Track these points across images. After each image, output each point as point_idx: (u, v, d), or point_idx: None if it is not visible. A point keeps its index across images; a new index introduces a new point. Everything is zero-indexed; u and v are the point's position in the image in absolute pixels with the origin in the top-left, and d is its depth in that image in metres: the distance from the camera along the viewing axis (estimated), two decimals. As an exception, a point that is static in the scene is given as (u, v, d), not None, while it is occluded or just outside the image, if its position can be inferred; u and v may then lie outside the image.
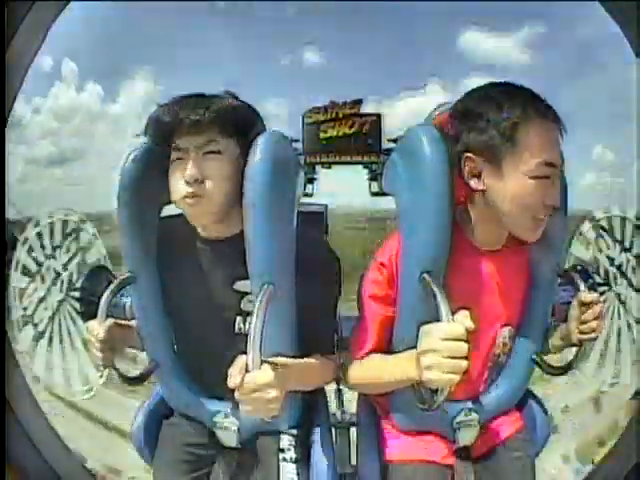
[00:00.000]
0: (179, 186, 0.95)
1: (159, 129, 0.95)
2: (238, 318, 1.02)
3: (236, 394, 0.80)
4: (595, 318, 0.95)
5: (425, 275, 0.89)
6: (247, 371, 0.79)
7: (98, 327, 0.96)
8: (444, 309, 0.80)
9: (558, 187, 0.92)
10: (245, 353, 0.80)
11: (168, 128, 0.94)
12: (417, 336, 0.84)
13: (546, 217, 0.94)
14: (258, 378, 0.79)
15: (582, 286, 0.98)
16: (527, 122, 0.89)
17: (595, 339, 0.97)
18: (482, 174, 0.93)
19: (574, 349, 1.01)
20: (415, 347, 0.85)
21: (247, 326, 1.01)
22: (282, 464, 1.04)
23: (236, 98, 1.03)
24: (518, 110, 0.89)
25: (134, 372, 1.06)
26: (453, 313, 0.81)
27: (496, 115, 0.90)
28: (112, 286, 1.00)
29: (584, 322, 0.96)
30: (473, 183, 0.94)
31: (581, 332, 0.97)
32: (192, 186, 0.93)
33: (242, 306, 1.01)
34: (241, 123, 0.98)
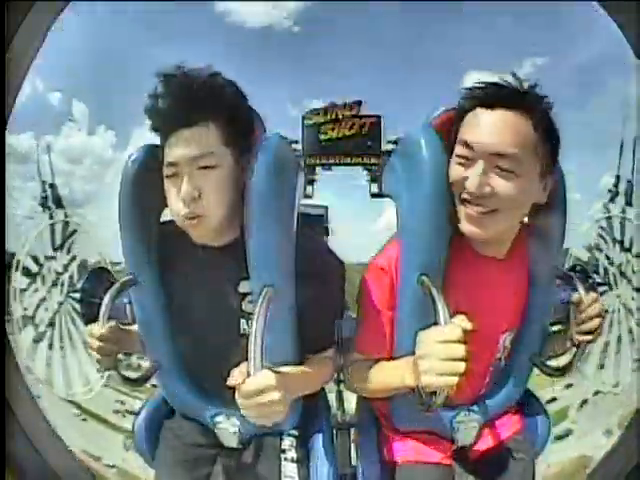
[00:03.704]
0: (177, 205, 0.92)
1: (155, 127, 0.94)
2: (242, 320, 1.01)
3: (237, 400, 0.80)
4: (593, 318, 0.95)
5: (423, 277, 0.89)
6: (248, 376, 0.78)
7: (99, 330, 0.96)
8: (442, 311, 0.80)
9: (479, 173, 0.88)
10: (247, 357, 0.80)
11: (162, 130, 0.93)
12: (415, 341, 0.83)
13: (477, 211, 0.90)
14: (259, 383, 0.78)
15: (580, 287, 0.97)
16: (471, 104, 0.91)
17: (594, 340, 0.96)
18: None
19: (573, 350, 1.01)
20: (414, 352, 0.84)
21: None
22: (283, 464, 1.04)
23: (236, 89, 0.97)
24: (473, 94, 0.91)
25: (135, 374, 1.06)
26: (452, 316, 0.80)
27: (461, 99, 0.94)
28: (113, 289, 0.99)
29: (582, 323, 0.95)
30: None
31: (579, 333, 0.97)
32: (189, 205, 0.90)
33: (243, 307, 1.00)
34: (239, 130, 0.94)
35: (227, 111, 0.92)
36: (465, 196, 0.89)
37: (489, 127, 0.88)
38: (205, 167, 0.90)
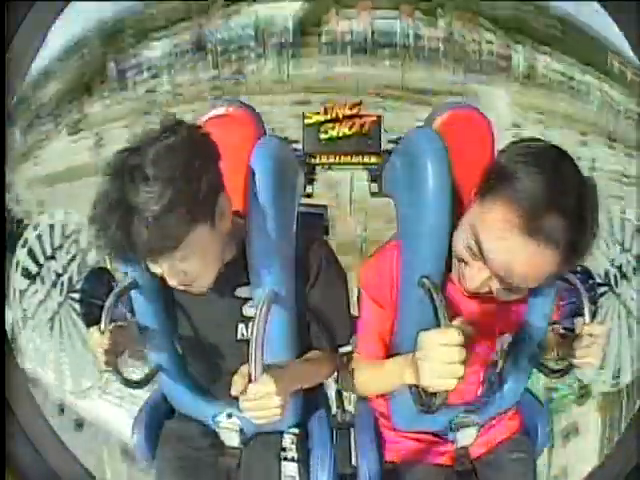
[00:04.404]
0: (167, 278, 0.87)
1: (112, 252, 0.81)
2: (240, 325, 1.01)
3: (240, 404, 0.80)
4: (582, 349, 0.92)
5: (424, 279, 0.88)
6: (250, 380, 0.79)
7: (101, 334, 0.95)
8: (442, 314, 0.80)
9: (482, 280, 0.83)
10: (247, 360, 0.80)
11: (123, 252, 0.80)
12: (416, 341, 0.83)
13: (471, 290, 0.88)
14: (261, 388, 0.79)
15: (582, 289, 0.96)
16: (504, 201, 0.77)
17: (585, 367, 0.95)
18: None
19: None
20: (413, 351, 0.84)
21: (249, 332, 1.01)
22: (283, 463, 1.04)
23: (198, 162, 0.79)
24: (515, 186, 0.75)
25: (137, 375, 1.06)
26: (452, 318, 0.80)
27: (507, 167, 0.79)
28: (114, 293, 0.98)
29: (579, 349, 0.93)
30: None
31: (573, 355, 0.95)
32: (180, 283, 0.87)
33: (244, 312, 1.00)
34: (208, 198, 0.82)
35: (187, 199, 0.77)
36: (460, 272, 0.87)
37: (516, 259, 0.77)
38: (183, 256, 0.82)
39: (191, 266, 0.84)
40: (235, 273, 0.96)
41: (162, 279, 1.02)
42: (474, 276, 0.83)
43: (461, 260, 0.87)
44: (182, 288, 0.89)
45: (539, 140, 0.83)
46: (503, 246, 0.77)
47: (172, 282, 0.87)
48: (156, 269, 0.85)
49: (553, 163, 0.77)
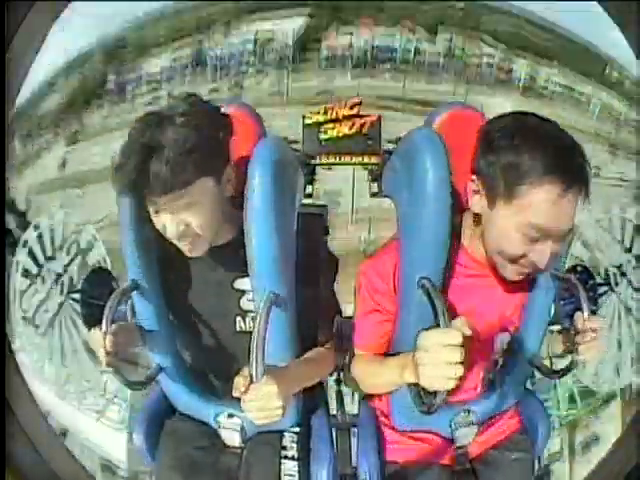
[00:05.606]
0: (168, 234, 0.91)
1: (125, 186, 0.87)
2: (238, 318, 1.02)
3: (242, 404, 0.81)
4: (587, 343, 0.94)
5: (424, 280, 0.89)
6: (251, 381, 0.79)
7: (102, 335, 0.94)
8: (442, 315, 0.80)
9: (548, 251, 0.85)
10: (247, 354, 0.80)
11: (136, 186, 0.86)
12: (416, 341, 0.84)
13: (527, 269, 0.90)
14: (263, 389, 0.80)
15: (581, 290, 0.96)
16: (534, 184, 0.82)
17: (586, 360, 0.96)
18: (480, 197, 0.90)
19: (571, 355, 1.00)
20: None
21: (247, 324, 1.02)
22: (283, 461, 1.05)
23: (211, 115, 0.91)
24: (530, 167, 0.82)
25: (138, 376, 1.06)
26: (451, 319, 0.81)
27: (507, 159, 0.84)
28: (115, 294, 0.98)
29: (581, 344, 0.95)
30: (472, 201, 0.92)
31: (577, 348, 0.96)
32: (180, 238, 0.90)
33: (241, 305, 1.01)
34: (217, 154, 0.91)
35: (205, 145, 0.87)
36: (527, 268, 0.89)
37: (562, 211, 0.83)
38: (187, 203, 0.87)
39: (192, 217, 0.88)
40: (234, 263, 0.97)
41: (162, 278, 1.02)
42: (543, 255, 0.86)
43: (519, 257, 0.88)
44: (182, 246, 0.92)
45: (507, 117, 0.91)
46: (556, 212, 0.83)
47: (172, 233, 0.89)
48: (159, 221, 0.89)
49: (538, 127, 0.87)
